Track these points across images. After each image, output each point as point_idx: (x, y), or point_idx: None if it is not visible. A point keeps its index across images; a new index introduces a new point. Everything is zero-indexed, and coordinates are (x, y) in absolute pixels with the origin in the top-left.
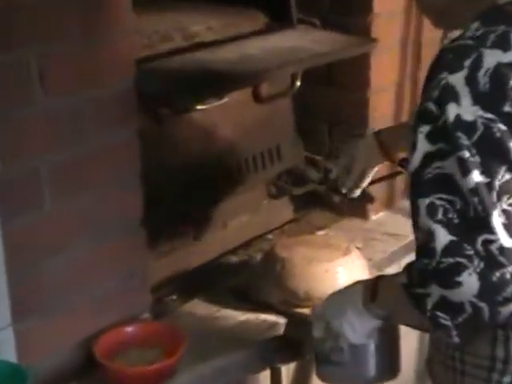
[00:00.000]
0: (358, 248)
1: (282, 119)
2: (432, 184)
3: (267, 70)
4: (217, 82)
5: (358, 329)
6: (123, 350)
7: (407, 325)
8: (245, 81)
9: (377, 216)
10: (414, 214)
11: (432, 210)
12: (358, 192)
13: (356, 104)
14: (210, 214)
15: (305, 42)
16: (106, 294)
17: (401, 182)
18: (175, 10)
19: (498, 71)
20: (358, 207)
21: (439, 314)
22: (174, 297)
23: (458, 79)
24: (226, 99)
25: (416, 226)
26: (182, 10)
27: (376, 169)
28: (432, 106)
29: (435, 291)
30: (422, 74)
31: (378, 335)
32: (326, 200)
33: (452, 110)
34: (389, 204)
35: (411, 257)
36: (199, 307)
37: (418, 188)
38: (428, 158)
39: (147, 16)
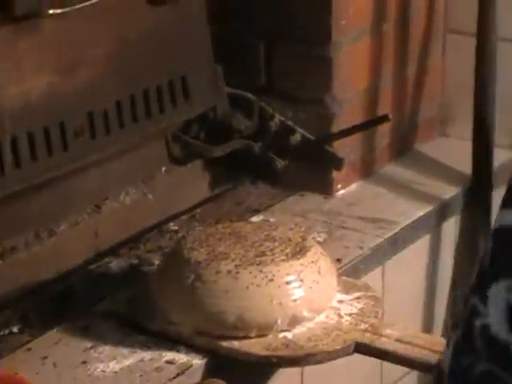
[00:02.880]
0: (317, 242)
1: (190, 32)
2: None
3: None
4: None
5: None
6: None
7: None
8: None
9: (346, 190)
10: None
11: None
12: None
13: (311, 5)
14: (68, 190)
15: None
16: None
17: (383, 134)
18: None
19: None
20: (317, 176)
21: None
22: (16, 329)
23: None
24: None
25: None
26: None
27: None
28: None
29: None
30: None
31: None
32: (263, 165)
33: None
34: (365, 171)
35: (401, 255)
36: (56, 343)
37: None
38: None
39: None
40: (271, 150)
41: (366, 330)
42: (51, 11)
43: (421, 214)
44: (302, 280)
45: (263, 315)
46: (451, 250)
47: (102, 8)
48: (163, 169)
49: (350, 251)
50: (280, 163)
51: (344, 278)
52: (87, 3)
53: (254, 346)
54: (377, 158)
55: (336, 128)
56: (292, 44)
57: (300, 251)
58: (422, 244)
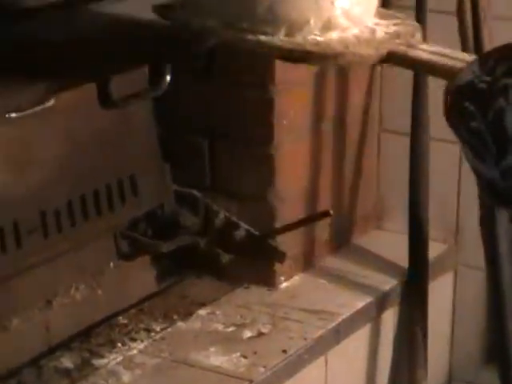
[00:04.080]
0: (262, 334)
1: (139, 133)
2: None
3: (118, 56)
4: (39, 78)
5: None
6: None
7: None
8: (84, 74)
9: (289, 282)
10: None
11: None
12: None
13: (254, 105)
14: (20, 286)
15: None
16: None
17: (323, 228)
18: None
19: None
20: (260, 270)
21: None
22: None
23: None
24: (51, 102)
25: None
26: None
27: None
28: None
29: None
30: None
31: None
32: (209, 259)
33: None
34: (306, 263)
35: (343, 345)
36: None
37: None
38: None
39: None
40: (216, 245)
41: (400, 44)
42: (7, 115)
43: (361, 305)
44: None
45: (297, 10)
46: (391, 339)
47: (54, 110)
48: (111, 264)
49: (295, 342)
50: (225, 258)
51: (382, 9)
52: (41, 107)
53: (280, 41)
54: (317, 251)
55: (279, 223)
56: (235, 143)
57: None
58: (363, 334)
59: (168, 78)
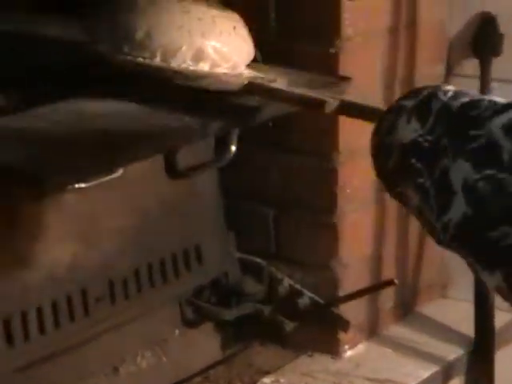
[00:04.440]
0: None
1: (204, 202)
2: None
3: (187, 128)
4: (108, 149)
5: None
6: None
7: None
8: (152, 146)
9: (353, 351)
10: None
11: None
12: None
13: (317, 174)
14: (88, 353)
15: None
16: None
17: (387, 297)
18: None
19: None
20: (324, 338)
21: None
22: None
23: None
24: (120, 172)
25: None
26: None
27: None
28: None
29: None
30: None
31: None
32: (273, 327)
33: None
34: (371, 332)
35: None
36: None
37: None
38: None
39: None
40: (280, 313)
41: (262, 79)
42: (77, 185)
43: (426, 374)
44: (215, 23)
45: (170, 37)
46: None
47: (123, 181)
48: (176, 331)
49: None
50: (289, 325)
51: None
52: (110, 177)
53: (155, 64)
54: (381, 319)
55: (342, 291)
56: (300, 211)
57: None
58: None
59: (233, 148)
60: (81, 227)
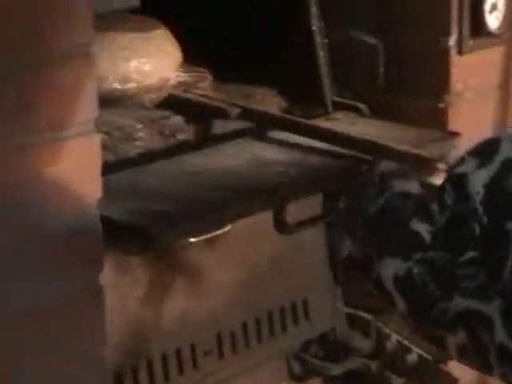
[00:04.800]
0: None
1: (311, 257)
2: None
3: (295, 184)
4: (217, 205)
5: None
6: None
7: None
8: (262, 202)
9: None
10: None
11: None
12: None
13: None
14: None
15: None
16: None
17: None
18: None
19: None
20: None
21: None
22: None
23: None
24: (228, 227)
25: None
26: None
27: None
28: None
29: None
30: None
31: None
32: (380, 383)
33: None
34: None
35: None
36: None
37: None
38: None
39: None
40: (388, 369)
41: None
42: (191, 240)
43: None
44: (137, 46)
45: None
46: None
47: (232, 235)
48: None
49: None
50: (397, 381)
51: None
52: (219, 232)
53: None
54: (490, 377)
55: None
56: None
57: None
58: None
59: (341, 204)
60: (190, 281)
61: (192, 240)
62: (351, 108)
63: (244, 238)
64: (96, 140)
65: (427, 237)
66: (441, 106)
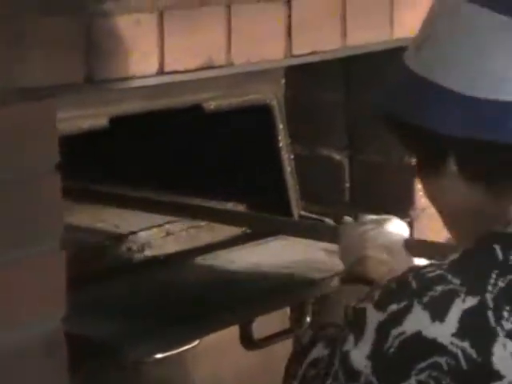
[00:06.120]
0: None
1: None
2: None
3: (263, 298)
4: (184, 321)
5: None
6: None
7: None
8: (229, 317)
9: None
10: None
11: None
12: None
13: None
14: None
15: (315, 251)
16: None
17: None
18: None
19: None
20: None
21: None
22: None
23: (371, 321)
24: (196, 342)
25: None
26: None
27: None
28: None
29: None
30: None
31: None
32: None
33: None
34: None
35: None
36: None
37: None
38: None
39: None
40: None
41: None
42: (158, 356)
43: None
44: None
45: None
46: None
47: (198, 350)
48: None
49: None
50: None
51: None
52: (186, 347)
53: None
54: None
55: None
56: None
57: None
58: None
59: (308, 319)
60: None
61: (158, 356)
62: (317, 221)
63: (212, 352)
64: (61, 256)
65: None
66: (406, 220)
